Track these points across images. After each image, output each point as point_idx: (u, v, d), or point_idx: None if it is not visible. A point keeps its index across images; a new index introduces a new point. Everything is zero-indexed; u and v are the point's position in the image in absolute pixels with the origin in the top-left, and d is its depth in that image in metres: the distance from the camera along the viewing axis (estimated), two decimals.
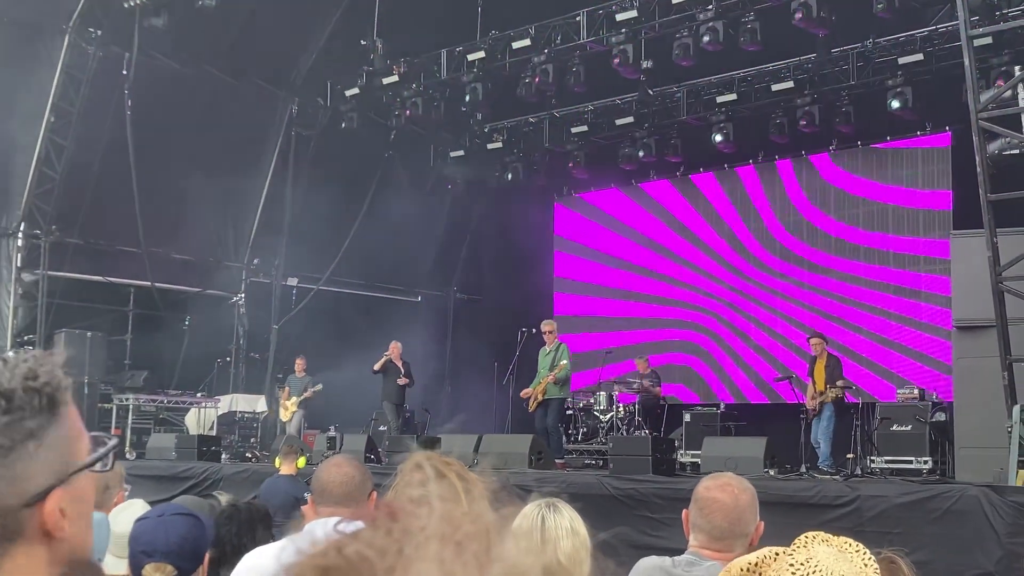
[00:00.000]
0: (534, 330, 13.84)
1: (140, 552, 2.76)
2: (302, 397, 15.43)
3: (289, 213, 18.25)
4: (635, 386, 15.55)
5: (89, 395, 14.55)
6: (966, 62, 10.33)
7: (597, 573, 2.31)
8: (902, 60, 15.09)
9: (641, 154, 18.24)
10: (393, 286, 20.12)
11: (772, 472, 9.92)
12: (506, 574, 0.72)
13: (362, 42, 16.73)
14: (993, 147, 11.02)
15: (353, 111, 17.75)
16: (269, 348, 18.50)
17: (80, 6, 15.08)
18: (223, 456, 13.59)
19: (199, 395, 16.73)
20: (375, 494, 3.20)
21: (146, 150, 15.54)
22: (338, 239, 18.15)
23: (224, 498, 5.85)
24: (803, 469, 11.18)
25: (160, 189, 15.78)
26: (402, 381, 14.93)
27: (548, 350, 12.97)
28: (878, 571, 1.54)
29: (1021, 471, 8.85)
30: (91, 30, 15.36)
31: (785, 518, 7.22)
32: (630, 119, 18.04)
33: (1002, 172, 10.60)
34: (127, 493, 4.05)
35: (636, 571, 3.03)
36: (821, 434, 12.50)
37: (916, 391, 13.37)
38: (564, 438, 13.88)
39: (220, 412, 16.59)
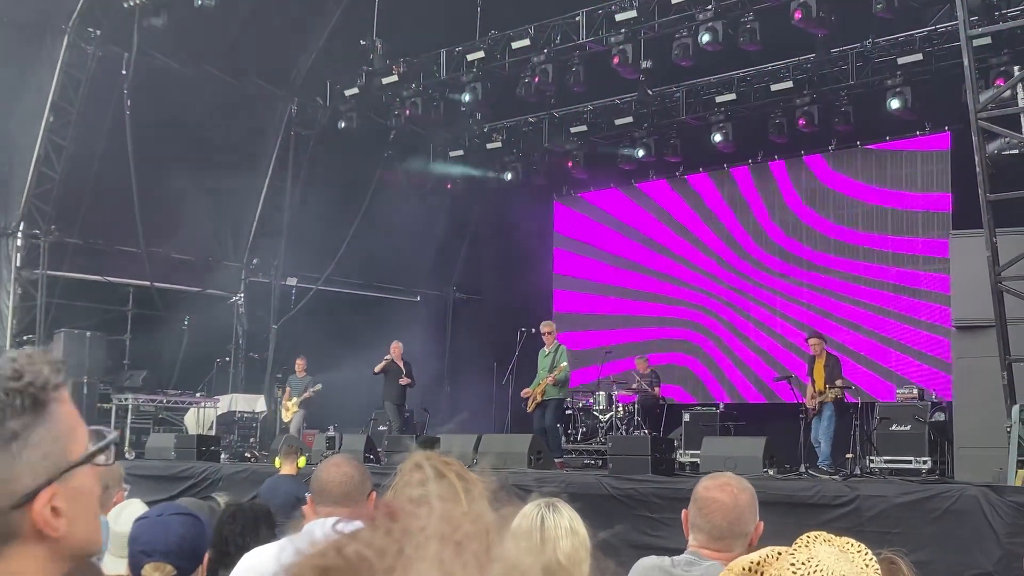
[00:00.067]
0: (533, 330, 13.85)
1: (139, 552, 2.76)
2: (302, 397, 15.44)
3: (288, 213, 18.26)
4: (634, 386, 15.55)
5: (88, 395, 14.54)
6: (965, 62, 10.33)
7: (597, 573, 2.31)
8: (901, 60, 15.10)
9: (640, 154, 18.25)
10: (392, 286, 20.12)
11: (771, 472, 9.91)
12: (506, 574, 0.72)
13: (361, 42, 16.73)
14: (992, 147, 11.02)
15: (352, 111, 17.74)
16: (268, 348, 18.51)
17: (79, 6, 15.08)
18: (222, 456, 13.58)
19: (198, 395, 16.73)
20: (374, 494, 3.20)
21: (145, 150, 15.54)
22: (337, 239, 18.15)
23: (223, 499, 5.84)
24: (802, 469, 11.18)
25: (159, 189, 15.78)
26: (404, 381, 14.92)
27: (547, 351, 12.99)
28: (879, 571, 1.54)
29: (1020, 471, 8.85)
30: (90, 30, 15.36)
31: (784, 518, 7.22)
32: (629, 119, 18.05)
33: (1001, 172, 10.60)
34: (126, 493, 4.05)
35: (635, 571, 3.03)
36: (822, 434, 12.50)
37: (915, 391, 13.37)
38: (563, 438, 13.89)
39: (219, 412, 16.59)
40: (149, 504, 3.43)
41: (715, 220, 18.75)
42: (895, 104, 15.24)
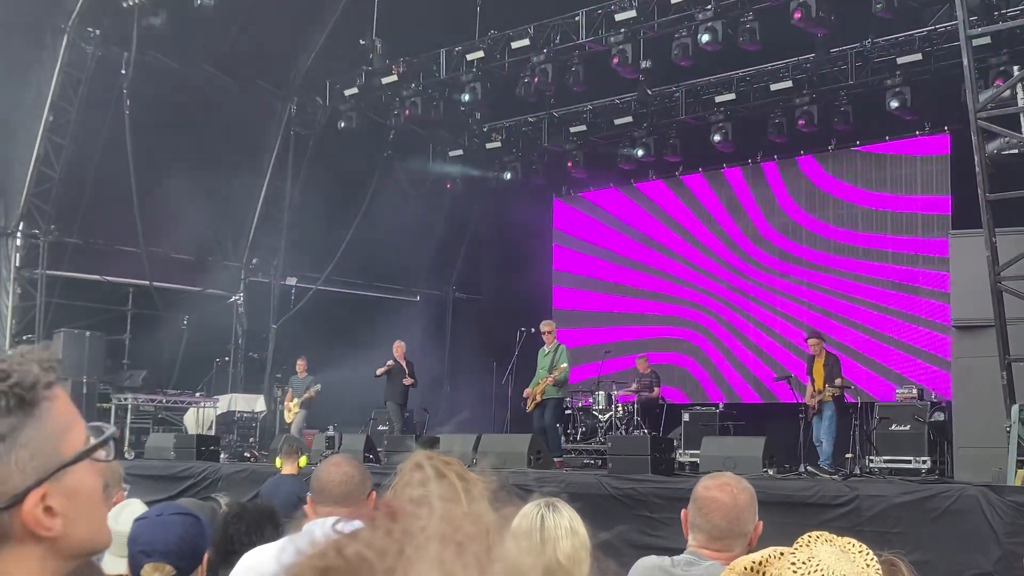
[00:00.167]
0: (533, 329, 13.85)
1: (139, 552, 2.76)
2: (303, 398, 15.46)
3: (288, 213, 18.27)
4: (633, 386, 15.55)
5: (87, 395, 14.53)
6: (965, 62, 10.33)
7: (598, 573, 2.31)
8: (901, 60, 15.10)
9: (640, 154, 18.26)
10: (392, 285, 20.12)
11: (771, 472, 9.91)
12: (507, 575, 0.72)
13: (361, 42, 16.73)
14: (992, 147, 11.02)
15: (352, 111, 17.74)
16: (268, 348, 18.51)
17: (79, 6, 15.08)
18: (222, 456, 13.57)
19: (198, 395, 16.73)
20: (374, 493, 3.20)
21: (145, 149, 15.54)
22: (337, 238, 18.15)
23: (224, 499, 5.84)
24: (802, 469, 11.18)
25: (158, 188, 15.77)
26: (407, 382, 14.93)
27: (547, 350, 12.99)
28: (880, 572, 1.54)
29: (1020, 471, 8.85)
30: (90, 30, 15.35)
31: (784, 518, 7.22)
32: (629, 119, 18.05)
33: (1001, 172, 10.60)
34: (126, 493, 4.05)
35: (635, 571, 3.03)
36: (823, 433, 12.50)
37: (915, 391, 13.37)
38: (563, 438, 13.89)
39: (219, 412, 16.59)
40: (149, 504, 3.42)
41: (715, 219, 18.75)
42: (894, 104, 15.25)
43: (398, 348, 15.09)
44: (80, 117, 15.43)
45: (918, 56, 14.95)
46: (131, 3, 14.87)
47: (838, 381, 12.60)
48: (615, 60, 15.06)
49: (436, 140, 19.79)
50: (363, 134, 18.07)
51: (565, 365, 12.74)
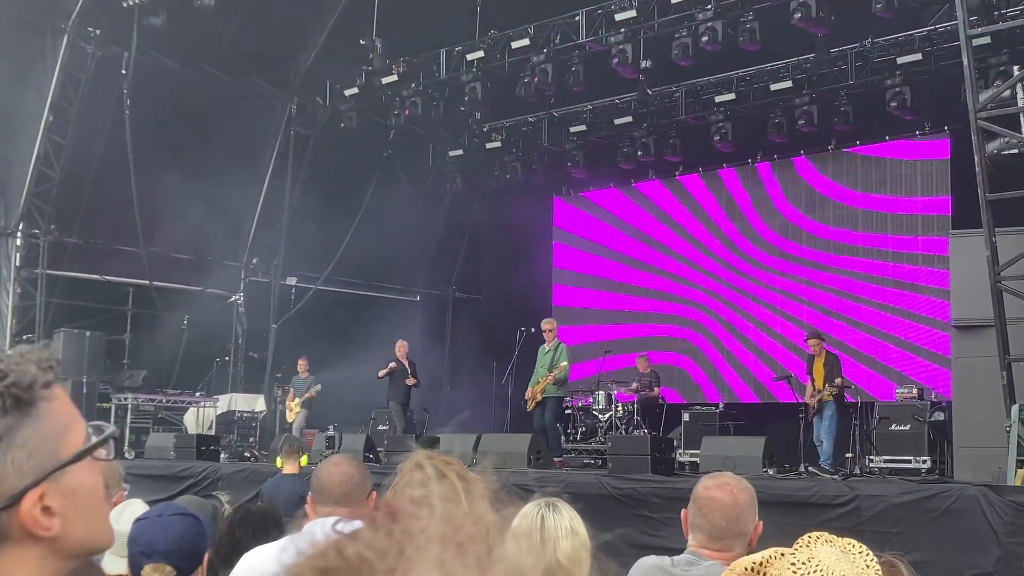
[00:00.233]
0: (533, 329, 13.85)
1: (139, 553, 2.76)
2: (304, 397, 15.48)
3: (288, 212, 18.27)
4: (634, 385, 15.55)
5: (87, 394, 14.53)
6: (965, 62, 10.33)
7: (598, 573, 2.31)
8: (901, 60, 15.10)
9: (640, 154, 18.25)
10: (392, 285, 20.12)
11: (771, 472, 9.91)
12: (507, 575, 0.72)
13: (361, 41, 16.73)
14: (992, 147, 11.02)
15: (352, 110, 17.74)
16: (268, 347, 18.51)
17: (79, 6, 15.09)
18: (222, 456, 13.58)
19: (198, 394, 16.73)
20: (374, 493, 3.20)
21: (145, 149, 15.54)
22: (337, 238, 18.14)
23: (225, 498, 5.84)
24: (802, 468, 11.18)
25: (159, 188, 15.77)
26: (410, 382, 14.92)
27: (547, 349, 12.98)
28: (880, 572, 1.54)
29: (1020, 470, 8.85)
30: (90, 29, 15.35)
31: (784, 518, 7.22)
32: (629, 119, 18.05)
33: (1001, 172, 10.60)
34: (126, 492, 4.05)
35: (635, 571, 3.03)
36: (824, 433, 12.50)
37: (915, 390, 13.37)
38: (563, 437, 13.89)
39: (219, 411, 16.59)
40: (150, 504, 3.43)
41: (716, 219, 18.74)
42: (894, 104, 15.25)
43: (400, 348, 15.09)
44: (80, 117, 15.43)
45: (918, 56, 14.95)
46: (131, 3, 14.87)
47: (837, 381, 12.60)
48: (615, 60, 15.05)
49: (436, 140, 19.79)
50: (363, 134, 18.07)
51: (565, 363, 12.73)
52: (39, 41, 15.25)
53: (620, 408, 15.05)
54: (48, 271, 15.88)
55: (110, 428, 1.21)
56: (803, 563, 1.51)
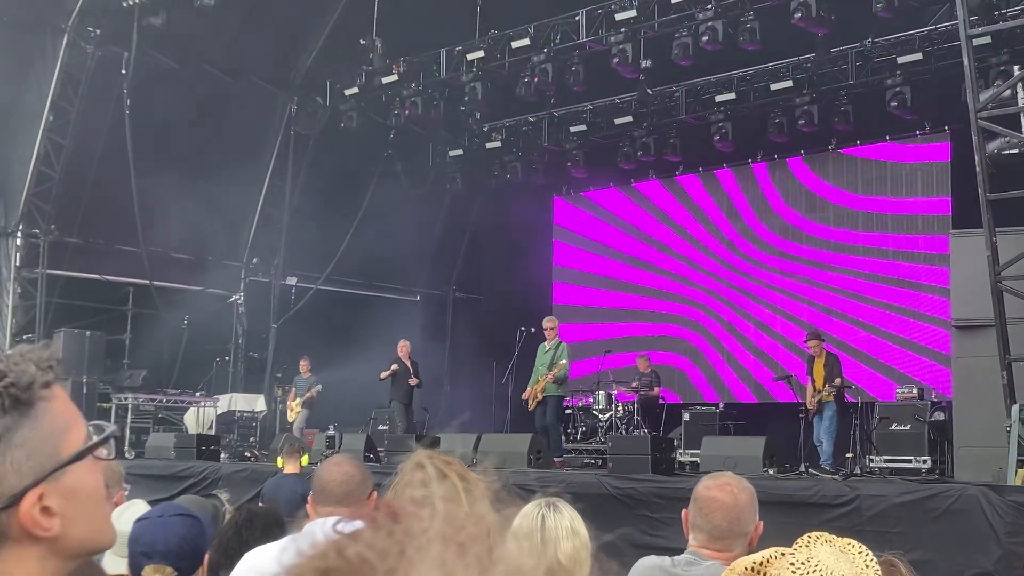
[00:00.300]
0: (533, 329, 13.83)
1: (139, 553, 2.76)
2: (305, 397, 15.49)
3: (288, 212, 18.27)
4: (633, 385, 15.55)
5: (87, 394, 14.54)
6: (965, 61, 10.33)
7: (599, 573, 2.31)
8: (901, 59, 15.10)
9: (640, 153, 18.25)
10: (392, 285, 20.12)
11: (771, 471, 9.91)
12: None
13: (361, 41, 16.72)
14: (992, 146, 11.01)
15: (352, 110, 17.74)
16: (268, 347, 18.51)
17: (79, 5, 15.08)
18: (222, 455, 13.58)
19: (198, 394, 16.73)
20: (375, 493, 3.20)
21: (145, 149, 15.54)
22: (337, 238, 18.14)
23: (226, 497, 5.84)
24: (802, 468, 11.18)
25: (159, 188, 15.77)
26: (413, 382, 14.92)
27: (548, 347, 12.96)
28: (879, 572, 1.54)
29: (1020, 470, 8.85)
30: (90, 29, 15.35)
31: (784, 518, 7.22)
32: (629, 118, 18.05)
33: (1001, 171, 10.60)
34: (126, 492, 4.05)
35: (636, 570, 3.03)
36: (824, 433, 12.50)
37: (915, 390, 13.37)
38: (563, 437, 13.87)
39: (219, 411, 16.59)
40: (151, 504, 3.43)
41: (716, 219, 18.74)
42: (895, 104, 15.25)
43: (403, 348, 15.08)
44: (80, 117, 15.43)
45: (918, 56, 14.95)
46: (131, 3, 14.87)
47: (837, 381, 12.60)
48: (615, 60, 15.05)
49: (436, 140, 19.79)
50: (363, 134, 18.06)
51: (565, 361, 12.70)
52: (39, 41, 15.25)
53: (620, 408, 15.05)
54: (48, 271, 15.88)
55: (111, 427, 1.21)
56: (802, 563, 1.51)
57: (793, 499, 8.31)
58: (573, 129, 18.75)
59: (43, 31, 15.24)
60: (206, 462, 12.47)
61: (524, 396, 13.04)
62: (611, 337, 18.44)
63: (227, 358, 18.22)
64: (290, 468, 8.52)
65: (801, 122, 16.31)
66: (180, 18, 15.03)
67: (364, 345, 15.60)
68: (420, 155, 19.89)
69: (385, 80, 17.01)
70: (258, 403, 17.20)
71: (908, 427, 11.92)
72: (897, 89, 15.22)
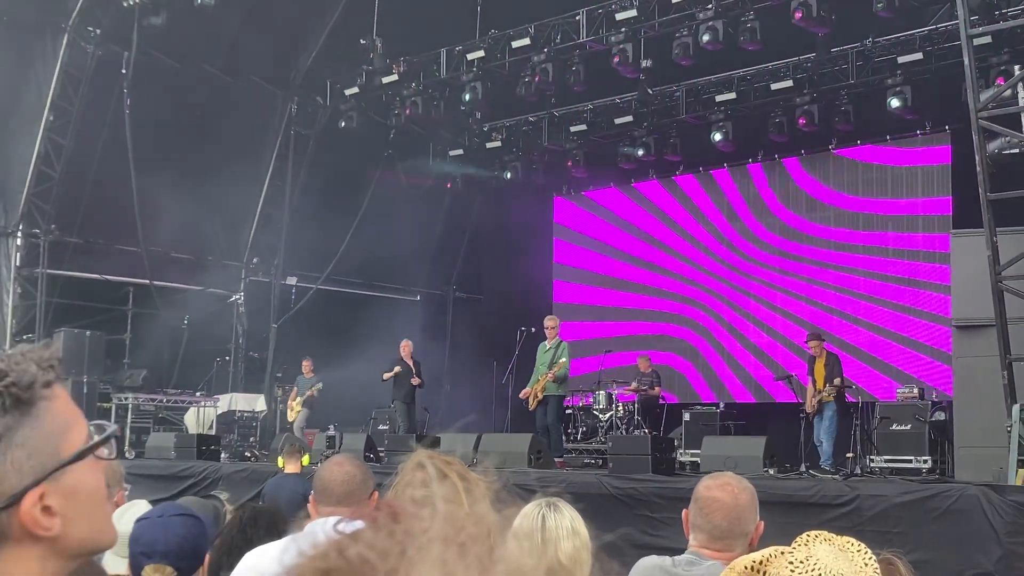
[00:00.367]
0: (533, 329, 13.83)
1: (140, 553, 2.76)
2: (305, 396, 15.49)
3: (288, 212, 18.27)
4: (633, 385, 15.55)
5: (88, 394, 14.54)
6: (966, 61, 10.33)
7: (600, 574, 2.31)
8: (901, 59, 15.10)
9: (640, 153, 18.26)
10: (392, 285, 20.12)
11: (771, 471, 9.91)
12: None
13: (361, 41, 16.72)
14: (993, 146, 11.01)
15: (352, 110, 17.74)
16: (268, 347, 18.51)
17: (79, 5, 15.08)
18: (222, 455, 13.58)
19: (198, 394, 16.73)
20: (376, 493, 3.20)
21: (145, 149, 15.53)
22: (337, 238, 18.14)
23: (225, 496, 5.85)
24: (803, 468, 11.18)
25: (159, 188, 15.76)
26: (415, 382, 14.92)
27: (548, 346, 12.95)
28: (878, 570, 1.54)
29: (1020, 470, 8.85)
30: (90, 29, 15.35)
31: (785, 517, 7.22)
32: (629, 118, 18.05)
33: (1002, 171, 10.60)
34: (127, 492, 4.05)
35: (636, 570, 3.03)
36: (824, 433, 12.50)
37: (916, 390, 13.37)
38: (564, 437, 13.86)
39: (219, 411, 16.59)
40: (151, 504, 3.43)
41: (716, 218, 18.75)
42: (895, 103, 15.25)
43: (405, 348, 15.06)
44: (80, 117, 15.43)
45: (919, 55, 14.95)
46: (131, 2, 14.87)
47: (836, 381, 12.60)
48: (615, 59, 15.05)
49: (436, 140, 19.79)
50: (363, 133, 18.07)
51: (565, 360, 12.69)
52: (39, 41, 15.25)
53: (621, 408, 15.05)
54: (48, 271, 15.88)
55: (111, 427, 1.21)
56: (801, 561, 1.51)
57: (793, 499, 8.31)
58: (573, 129, 18.75)
59: (43, 31, 15.24)
60: (206, 462, 12.47)
61: (522, 395, 13.03)
62: (611, 336, 18.44)
63: (227, 358, 18.22)
64: (291, 468, 8.53)
65: (801, 122, 16.31)
66: (180, 18, 15.03)
67: (364, 345, 15.60)
68: (420, 155, 19.88)
69: (385, 80, 17.01)
70: (258, 403, 17.20)
71: (908, 427, 11.93)
72: (897, 89, 15.22)
